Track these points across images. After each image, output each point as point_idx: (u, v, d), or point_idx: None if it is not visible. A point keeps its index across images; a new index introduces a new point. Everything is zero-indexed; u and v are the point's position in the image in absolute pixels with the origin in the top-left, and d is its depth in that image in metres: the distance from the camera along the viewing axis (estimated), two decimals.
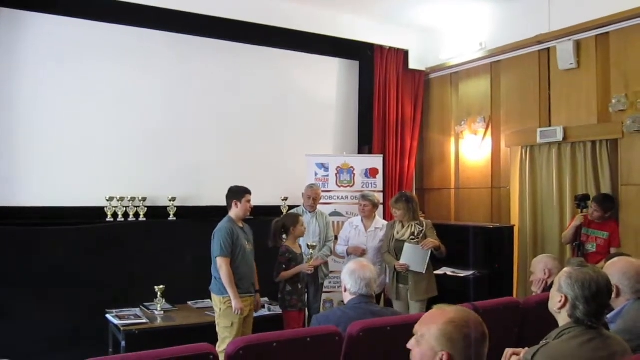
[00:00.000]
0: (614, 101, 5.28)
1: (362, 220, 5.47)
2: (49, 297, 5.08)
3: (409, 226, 4.97)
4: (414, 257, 4.85)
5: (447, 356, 1.66)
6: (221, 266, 4.33)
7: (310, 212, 5.51)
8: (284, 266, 4.75)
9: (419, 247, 4.84)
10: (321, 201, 5.75)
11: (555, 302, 2.24)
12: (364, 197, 5.48)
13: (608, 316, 2.61)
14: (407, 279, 4.90)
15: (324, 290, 5.74)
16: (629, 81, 5.23)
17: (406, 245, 4.89)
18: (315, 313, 5.32)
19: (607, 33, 5.41)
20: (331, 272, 5.69)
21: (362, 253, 5.28)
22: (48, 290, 5.09)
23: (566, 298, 2.18)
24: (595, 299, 2.13)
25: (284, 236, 4.88)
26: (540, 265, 3.88)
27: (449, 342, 1.67)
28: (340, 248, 5.47)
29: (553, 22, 5.75)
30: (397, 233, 5.00)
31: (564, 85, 5.82)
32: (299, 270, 4.77)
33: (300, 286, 4.79)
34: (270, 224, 4.91)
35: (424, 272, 4.84)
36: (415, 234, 4.93)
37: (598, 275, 2.19)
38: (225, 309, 4.35)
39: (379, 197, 6.27)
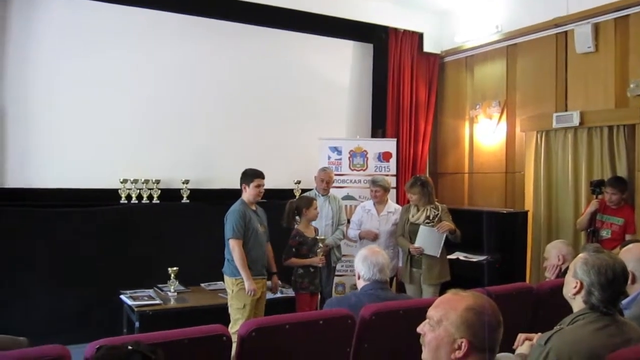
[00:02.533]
0: (632, 86, 5.19)
1: (374, 204, 5.46)
2: (63, 278, 5.15)
3: (424, 210, 4.95)
4: (429, 240, 4.84)
5: (467, 343, 1.63)
6: (234, 248, 4.35)
7: (322, 195, 5.50)
8: (293, 249, 4.76)
9: (434, 230, 4.83)
10: (334, 185, 5.74)
11: (570, 287, 2.22)
12: (374, 182, 5.45)
13: (623, 302, 2.58)
14: (420, 262, 4.90)
15: (336, 273, 5.76)
16: None
17: (421, 227, 4.87)
18: (328, 296, 5.35)
19: (627, 16, 5.30)
20: (343, 255, 5.70)
21: (375, 237, 5.28)
22: (62, 271, 5.16)
23: (581, 284, 2.16)
24: (611, 285, 2.11)
25: (297, 218, 4.89)
26: (554, 251, 3.86)
27: (468, 329, 1.64)
28: (353, 232, 5.47)
29: (571, 5, 5.65)
30: (412, 216, 4.99)
31: (581, 69, 5.73)
32: (309, 263, 4.77)
33: (312, 269, 4.81)
34: (283, 207, 4.94)
35: (438, 256, 4.83)
36: (431, 218, 4.91)
37: (614, 261, 2.16)
38: (237, 291, 4.38)
39: (392, 181, 6.27)
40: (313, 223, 5.08)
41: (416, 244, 4.87)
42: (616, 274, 2.12)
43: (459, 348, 1.63)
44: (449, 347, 1.65)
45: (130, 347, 1.52)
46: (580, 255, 2.25)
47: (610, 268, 2.12)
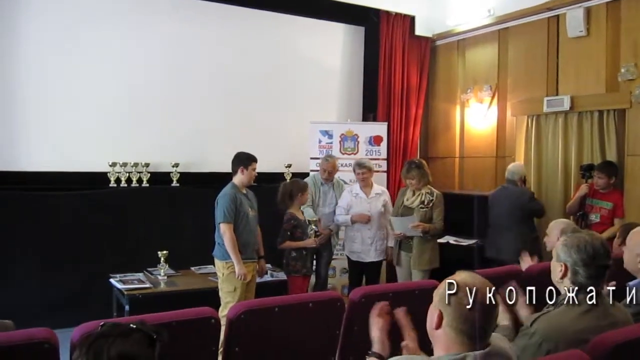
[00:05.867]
0: (623, 70, 5.19)
1: (361, 188, 5.41)
2: (52, 262, 5.14)
3: (419, 194, 4.95)
4: (405, 227, 4.88)
5: (438, 314, 1.67)
6: (224, 232, 4.34)
7: (326, 183, 5.50)
8: (288, 233, 4.77)
9: (404, 219, 4.88)
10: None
11: (556, 272, 2.24)
12: (360, 165, 5.32)
13: (630, 283, 2.59)
14: (410, 247, 4.91)
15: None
16: (638, 50, 5.14)
17: (392, 219, 5.01)
18: (324, 280, 5.38)
19: (619, 0, 5.29)
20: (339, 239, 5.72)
21: (368, 220, 5.24)
22: (52, 255, 5.15)
23: (566, 266, 2.19)
24: (594, 260, 2.15)
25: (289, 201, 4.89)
26: (555, 231, 3.81)
27: (442, 302, 1.67)
28: (342, 217, 5.31)
29: None
30: (407, 200, 4.99)
31: (572, 53, 5.72)
32: (302, 245, 4.78)
33: (305, 252, 4.81)
34: (273, 191, 4.91)
35: (421, 235, 4.85)
36: (425, 203, 4.91)
37: (592, 237, 2.22)
38: (228, 274, 4.38)
39: (382, 164, 6.27)
40: (319, 209, 5.20)
41: (396, 231, 4.97)
42: (596, 248, 2.16)
43: (435, 319, 1.67)
44: (430, 318, 1.71)
45: (133, 326, 1.52)
46: (560, 239, 2.29)
47: (589, 244, 2.16)
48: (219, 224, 4.38)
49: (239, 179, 4.54)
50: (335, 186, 5.53)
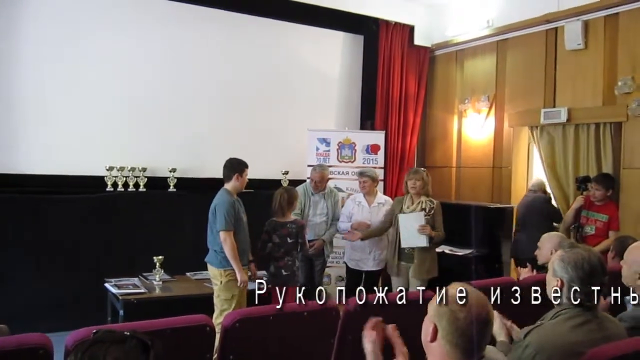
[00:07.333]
0: (620, 83, 5.22)
1: (364, 196, 5.42)
2: (48, 265, 5.12)
3: (419, 202, 4.92)
4: (411, 225, 4.76)
5: (433, 327, 1.67)
6: (225, 239, 4.29)
7: (316, 192, 5.47)
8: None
9: (413, 216, 4.78)
10: None
11: (551, 286, 2.24)
12: (362, 173, 5.37)
13: (627, 297, 2.60)
14: (411, 257, 4.86)
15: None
16: (636, 63, 5.17)
17: (400, 215, 4.83)
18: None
19: (617, 14, 5.33)
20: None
21: (367, 229, 5.23)
22: (47, 258, 5.13)
23: (562, 281, 2.19)
24: (590, 277, 2.14)
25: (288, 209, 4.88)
26: (548, 244, 3.81)
27: (436, 315, 1.68)
28: (344, 225, 5.33)
29: (562, 1, 5.66)
30: (407, 208, 4.93)
31: (570, 65, 5.75)
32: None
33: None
34: (270, 197, 4.87)
35: (427, 245, 4.80)
36: (427, 210, 4.88)
37: (590, 253, 2.21)
38: (227, 282, 4.35)
39: (380, 173, 6.26)
40: (309, 219, 5.24)
41: (402, 236, 4.80)
42: (592, 265, 2.16)
43: (430, 332, 1.68)
44: (424, 331, 1.72)
45: (127, 333, 1.53)
46: (557, 253, 2.29)
47: (587, 261, 2.16)
48: (220, 231, 4.33)
49: (232, 185, 4.51)
50: (327, 195, 5.50)
